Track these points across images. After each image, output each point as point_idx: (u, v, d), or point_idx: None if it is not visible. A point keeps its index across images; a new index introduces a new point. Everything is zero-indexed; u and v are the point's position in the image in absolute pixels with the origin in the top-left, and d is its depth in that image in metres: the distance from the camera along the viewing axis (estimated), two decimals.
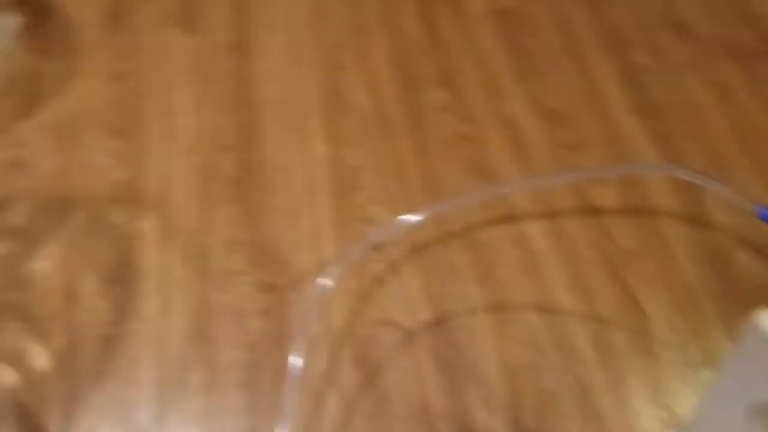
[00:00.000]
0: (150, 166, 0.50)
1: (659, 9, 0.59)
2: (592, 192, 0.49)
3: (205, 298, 0.44)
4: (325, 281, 0.39)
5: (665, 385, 0.41)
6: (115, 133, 0.52)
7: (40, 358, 0.42)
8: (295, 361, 0.36)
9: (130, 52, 0.57)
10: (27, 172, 0.50)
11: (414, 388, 0.41)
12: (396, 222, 0.42)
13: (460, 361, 0.42)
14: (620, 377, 0.41)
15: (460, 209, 0.47)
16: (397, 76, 0.55)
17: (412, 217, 0.41)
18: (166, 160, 0.50)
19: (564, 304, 0.44)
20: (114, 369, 0.41)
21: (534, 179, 0.50)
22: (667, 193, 0.49)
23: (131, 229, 0.47)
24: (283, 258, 0.45)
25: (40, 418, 0.39)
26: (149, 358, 0.42)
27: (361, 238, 0.44)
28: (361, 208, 0.48)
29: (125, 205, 0.48)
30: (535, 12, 0.59)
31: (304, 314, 0.41)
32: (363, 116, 0.52)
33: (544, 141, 0.51)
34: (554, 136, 0.52)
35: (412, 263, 0.45)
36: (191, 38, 0.57)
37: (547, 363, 0.42)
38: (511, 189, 0.49)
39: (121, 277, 0.45)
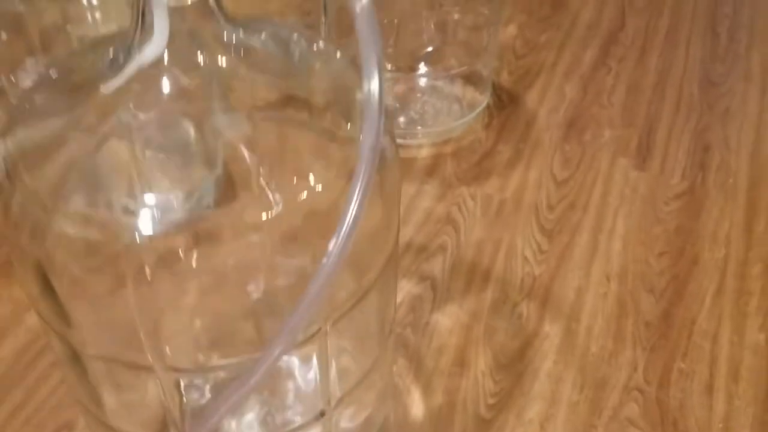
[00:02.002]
0: (569, 274, 0.49)
1: None
2: None
3: (586, 428, 0.41)
4: None
5: None
6: (543, 230, 0.52)
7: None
8: None
9: (577, 162, 0.57)
10: (455, 230, 0.51)
11: None
12: None
13: None
14: None
15: None
16: None
17: None
18: (586, 276, 0.48)
19: None
20: None
21: None
22: None
23: (535, 325, 0.46)
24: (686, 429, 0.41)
25: None
26: None
27: None
28: None
29: (535, 300, 0.47)
30: None
31: None
32: None
33: None
34: None
35: None
36: (641, 172, 0.56)
37: None
38: None
39: (513, 367, 0.43)
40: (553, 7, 0.74)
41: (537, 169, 0.56)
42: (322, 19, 0.54)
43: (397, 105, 0.59)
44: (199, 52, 0.25)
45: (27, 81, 0.48)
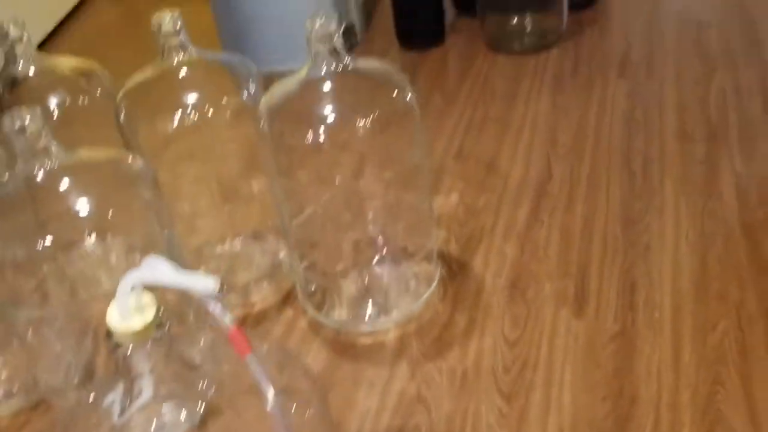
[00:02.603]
0: None
1: None
2: None
3: None
4: None
5: None
6: (502, 394, 0.60)
7: None
8: None
9: (524, 320, 0.66)
10: (426, 408, 0.59)
11: None
12: None
13: None
14: None
15: None
16: None
17: None
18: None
19: None
20: None
21: None
22: None
23: None
24: None
25: None
26: None
27: None
28: None
29: None
30: None
31: None
32: None
33: None
34: None
35: None
36: (579, 320, 0.65)
37: None
38: None
39: None
40: (487, 170, 0.85)
41: (491, 334, 0.65)
42: None
43: (363, 298, 0.69)
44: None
45: None
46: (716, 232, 0.72)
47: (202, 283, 0.31)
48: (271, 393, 0.33)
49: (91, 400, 0.36)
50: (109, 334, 0.32)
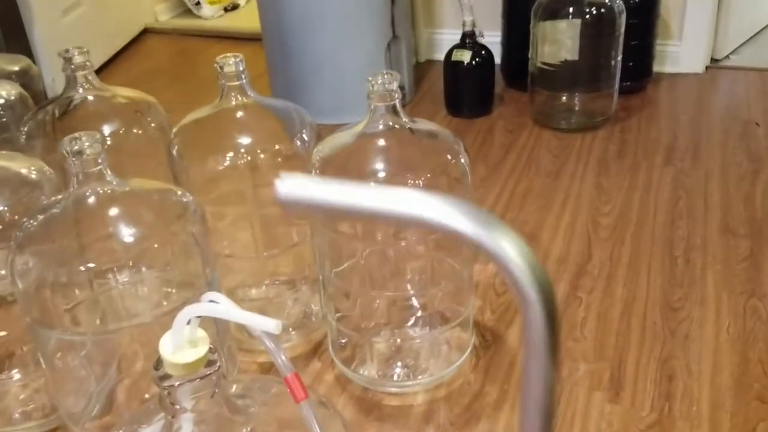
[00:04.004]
0: None
1: None
2: None
3: None
4: None
5: None
6: None
7: None
8: None
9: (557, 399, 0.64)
10: None
11: None
12: None
13: None
14: None
15: None
16: None
17: None
18: None
19: None
20: None
21: None
22: None
23: None
24: None
25: None
26: None
27: None
28: None
29: None
30: None
31: None
32: None
33: None
34: None
35: None
36: (614, 405, 0.63)
37: None
38: None
39: None
40: (527, 243, 0.84)
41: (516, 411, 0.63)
42: None
43: (393, 358, 0.67)
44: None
45: None
46: (758, 330, 0.70)
47: (264, 323, 0.30)
48: None
49: None
50: (158, 364, 0.31)
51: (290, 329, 0.72)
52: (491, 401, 0.64)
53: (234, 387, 0.38)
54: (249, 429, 0.33)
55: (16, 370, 0.64)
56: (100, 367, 0.59)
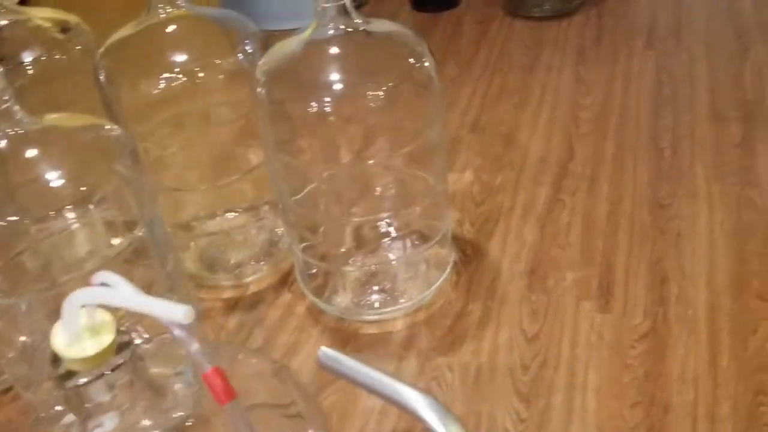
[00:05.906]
0: None
1: None
2: None
3: None
4: None
5: None
6: (520, 395, 0.54)
7: None
8: None
9: (543, 312, 0.60)
10: None
11: None
12: None
13: None
14: None
15: None
16: None
17: None
18: None
19: None
20: None
21: None
22: None
23: None
24: None
25: None
26: None
27: None
28: None
29: None
30: None
31: None
32: None
33: None
34: None
35: None
36: (604, 315, 0.59)
37: None
38: None
39: None
40: (504, 145, 0.78)
41: (507, 327, 0.59)
42: None
43: (368, 284, 0.62)
44: None
45: None
46: (754, 222, 0.65)
47: (171, 311, 0.25)
48: None
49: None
50: (55, 360, 0.26)
51: (258, 260, 0.67)
52: (475, 320, 0.60)
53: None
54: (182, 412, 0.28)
55: None
56: (47, 327, 0.54)
